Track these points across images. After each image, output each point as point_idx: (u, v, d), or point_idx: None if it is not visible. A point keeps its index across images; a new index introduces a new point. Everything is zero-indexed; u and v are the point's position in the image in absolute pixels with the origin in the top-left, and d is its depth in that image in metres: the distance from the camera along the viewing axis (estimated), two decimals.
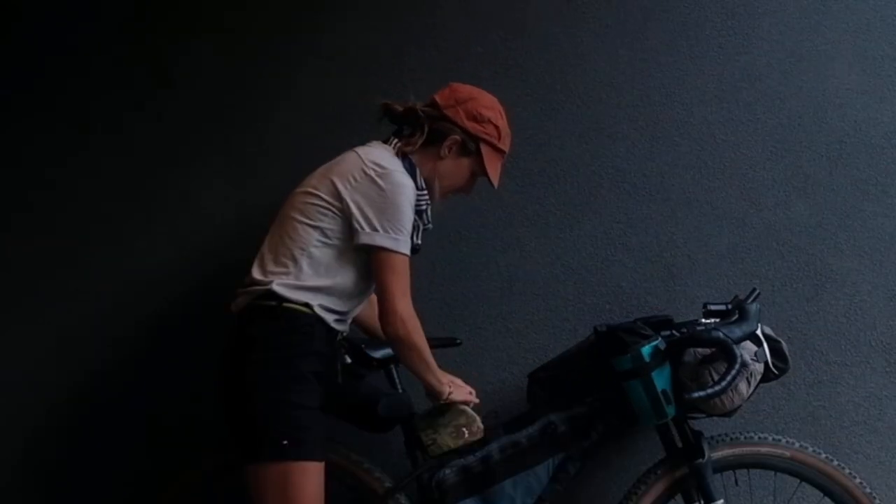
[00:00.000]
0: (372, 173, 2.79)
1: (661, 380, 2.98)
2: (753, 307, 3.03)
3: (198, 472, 3.23)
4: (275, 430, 2.68)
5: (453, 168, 2.96)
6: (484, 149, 2.95)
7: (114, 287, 3.54)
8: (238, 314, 2.85)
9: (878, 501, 3.07)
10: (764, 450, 3.08)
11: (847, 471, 3.07)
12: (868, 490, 3.06)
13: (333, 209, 2.80)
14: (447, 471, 3.06)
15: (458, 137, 2.92)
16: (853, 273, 3.47)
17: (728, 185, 3.51)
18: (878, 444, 3.44)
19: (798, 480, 3.11)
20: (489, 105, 2.99)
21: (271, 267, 2.82)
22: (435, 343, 3.16)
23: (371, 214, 2.77)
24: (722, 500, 3.02)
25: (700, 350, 2.99)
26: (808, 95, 3.52)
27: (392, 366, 3.11)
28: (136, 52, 3.61)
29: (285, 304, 2.77)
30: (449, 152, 2.94)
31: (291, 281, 2.78)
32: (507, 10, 3.58)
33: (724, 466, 3.10)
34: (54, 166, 3.59)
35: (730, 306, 3.11)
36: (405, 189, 2.80)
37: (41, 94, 3.61)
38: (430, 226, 3.00)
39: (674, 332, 3.06)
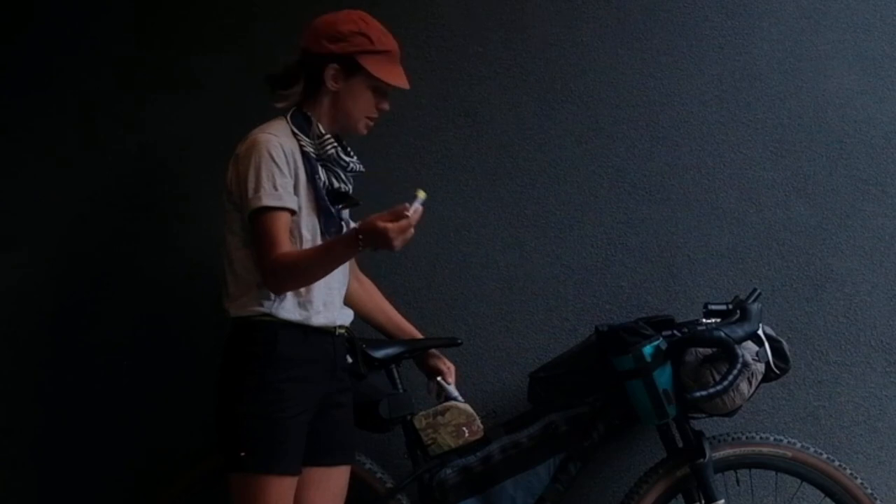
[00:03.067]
0: (238, 151, 2.77)
1: (662, 379, 2.98)
2: (755, 307, 3.03)
3: (197, 473, 3.23)
4: (235, 441, 2.70)
5: (350, 94, 2.82)
6: (363, 60, 2.78)
7: (115, 287, 3.54)
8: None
9: (878, 502, 3.07)
10: (765, 450, 3.08)
11: (848, 471, 3.08)
12: (869, 491, 3.06)
13: (233, 206, 2.77)
14: (448, 471, 3.07)
15: (335, 65, 2.79)
16: (853, 273, 3.47)
17: (728, 185, 3.51)
18: (879, 443, 3.44)
19: (799, 481, 3.11)
20: (346, 19, 2.83)
21: (226, 291, 2.81)
22: (435, 343, 3.17)
23: (242, 188, 2.71)
24: (723, 500, 3.02)
25: (701, 350, 2.99)
26: (808, 95, 3.52)
27: (393, 366, 3.10)
28: (141, 54, 3.61)
29: (247, 321, 2.75)
30: (336, 83, 2.80)
31: (239, 293, 2.76)
32: (507, 10, 3.58)
33: (725, 466, 3.10)
34: (58, 167, 3.60)
35: (730, 306, 3.11)
36: (259, 145, 2.70)
37: (47, 95, 3.62)
38: (354, 165, 2.88)
39: (675, 331, 3.06)
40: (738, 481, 3.24)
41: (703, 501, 3.02)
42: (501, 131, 3.53)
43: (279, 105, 2.87)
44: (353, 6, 3.52)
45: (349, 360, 2.95)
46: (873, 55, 3.53)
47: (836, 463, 3.08)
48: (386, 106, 2.88)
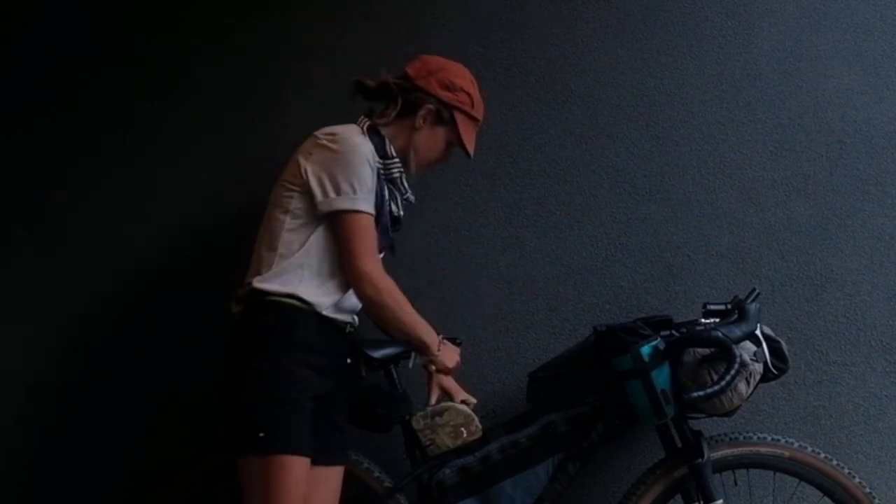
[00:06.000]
0: (324, 141, 2.83)
1: (660, 380, 2.98)
2: (753, 307, 3.03)
3: (197, 473, 3.23)
4: (253, 423, 2.70)
5: (429, 138, 2.98)
6: (459, 117, 2.98)
7: (116, 287, 3.55)
8: (236, 318, 2.87)
9: (877, 501, 3.07)
10: (763, 450, 3.08)
11: (846, 470, 3.07)
12: (868, 490, 3.06)
13: (297, 188, 2.82)
14: (447, 471, 3.07)
15: (432, 107, 2.95)
16: (853, 273, 3.47)
17: (728, 185, 3.51)
18: (878, 444, 3.43)
19: (797, 480, 3.11)
20: (460, 74, 3.03)
21: (255, 265, 2.86)
22: None
23: (326, 180, 2.79)
24: (721, 500, 3.01)
25: (699, 350, 2.98)
26: (808, 95, 3.52)
27: (392, 366, 3.10)
28: (144, 54, 3.62)
29: (267, 299, 2.78)
30: (424, 122, 2.96)
31: (272, 270, 2.80)
32: (507, 10, 3.59)
33: (723, 466, 3.10)
34: (62, 166, 3.61)
35: (729, 306, 3.10)
36: (358, 147, 2.81)
37: (47, 95, 3.63)
38: (409, 196, 3.01)
39: (673, 331, 3.05)
40: (736, 481, 3.24)
41: (701, 501, 3.01)
42: (501, 131, 3.53)
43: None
44: (352, 7, 3.55)
45: (348, 360, 2.96)
46: (873, 55, 3.53)
47: (834, 462, 3.08)
48: (446, 162, 3.11)
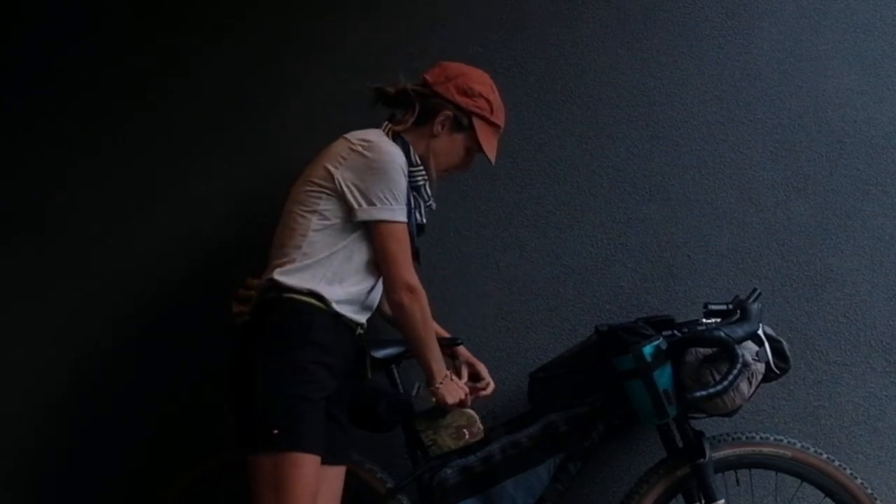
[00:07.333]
0: (359, 148, 2.82)
1: (662, 379, 2.97)
2: (755, 307, 3.03)
3: (197, 473, 3.23)
4: (267, 420, 2.68)
5: (448, 145, 2.99)
6: (477, 123, 2.97)
7: (115, 288, 3.54)
8: (250, 312, 2.86)
9: (878, 502, 3.07)
10: (766, 450, 3.08)
11: (848, 471, 3.07)
12: (869, 491, 3.06)
13: (327, 191, 2.82)
14: (448, 471, 3.07)
15: (449, 113, 2.95)
16: (853, 273, 3.47)
17: (728, 185, 3.51)
18: (879, 444, 3.44)
19: (799, 481, 3.11)
20: (479, 80, 3.02)
21: (276, 260, 2.84)
22: None
23: (364, 188, 2.79)
24: (723, 500, 3.01)
25: (701, 350, 2.98)
26: (808, 95, 3.53)
27: (392, 366, 3.11)
28: (144, 54, 3.62)
29: (286, 295, 2.77)
30: (442, 129, 2.96)
31: (294, 265, 2.79)
32: (507, 10, 3.59)
33: (725, 466, 3.10)
34: (62, 166, 3.60)
35: (731, 306, 3.11)
36: (393, 157, 2.82)
37: (47, 95, 3.62)
38: (431, 203, 3.02)
39: (675, 331, 3.06)
40: (738, 481, 3.23)
41: (703, 501, 3.02)
42: (502, 131, 3.53)
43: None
44: (352, 7, 3.54)
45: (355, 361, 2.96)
46: (873, 55, 3.54)
47: (836, 463, 3.08)
48: (468, 169, 3.10)
